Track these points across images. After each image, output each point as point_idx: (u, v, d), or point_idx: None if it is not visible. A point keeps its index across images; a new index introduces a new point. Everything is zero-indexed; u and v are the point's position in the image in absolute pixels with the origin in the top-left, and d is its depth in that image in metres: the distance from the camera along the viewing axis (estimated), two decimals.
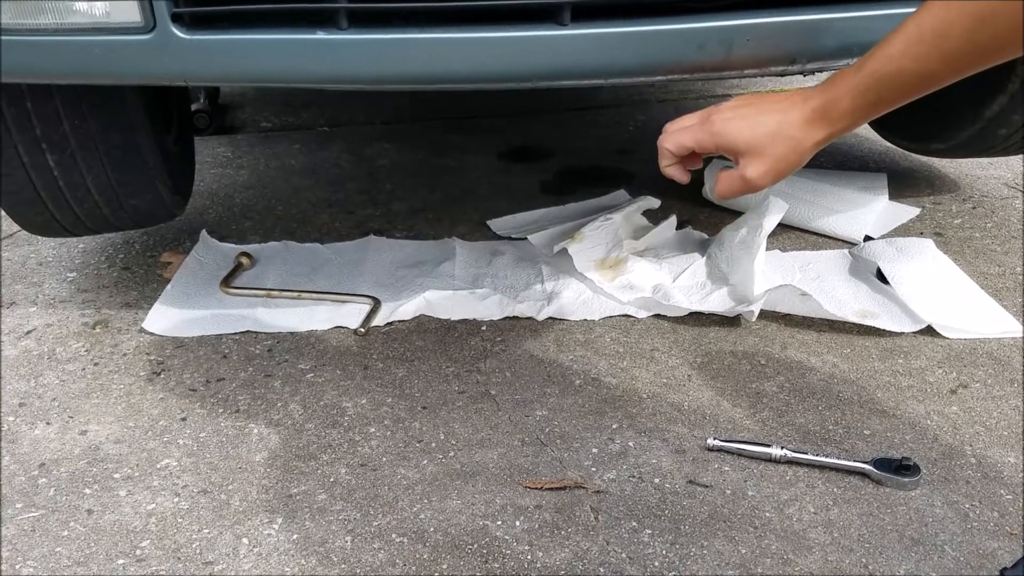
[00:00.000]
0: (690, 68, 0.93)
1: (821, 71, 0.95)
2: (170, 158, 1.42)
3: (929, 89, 0.80)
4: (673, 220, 1.61)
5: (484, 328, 1.37)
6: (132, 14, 0.88)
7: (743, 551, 0.94)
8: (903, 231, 1.64)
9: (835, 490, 1.02)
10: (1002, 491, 1.02)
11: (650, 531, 0.97)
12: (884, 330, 1.31)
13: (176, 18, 0.89)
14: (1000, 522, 0.97)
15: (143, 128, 1.27)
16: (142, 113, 1.26)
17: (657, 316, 1.39)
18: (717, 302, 1.39)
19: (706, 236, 1.61)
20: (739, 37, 0.91)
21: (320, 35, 0.88)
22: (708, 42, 0.91)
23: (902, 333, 1.31)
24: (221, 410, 1.18)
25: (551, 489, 1.03)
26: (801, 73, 0.96)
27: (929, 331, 1.31)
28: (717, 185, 0.88)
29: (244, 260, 1.51)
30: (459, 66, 0.90)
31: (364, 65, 0.90)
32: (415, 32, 0.89)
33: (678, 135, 0.89)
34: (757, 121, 0.83)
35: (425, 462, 1.07)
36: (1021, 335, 1.31)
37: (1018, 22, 0.70)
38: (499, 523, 0.98)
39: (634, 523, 0.98)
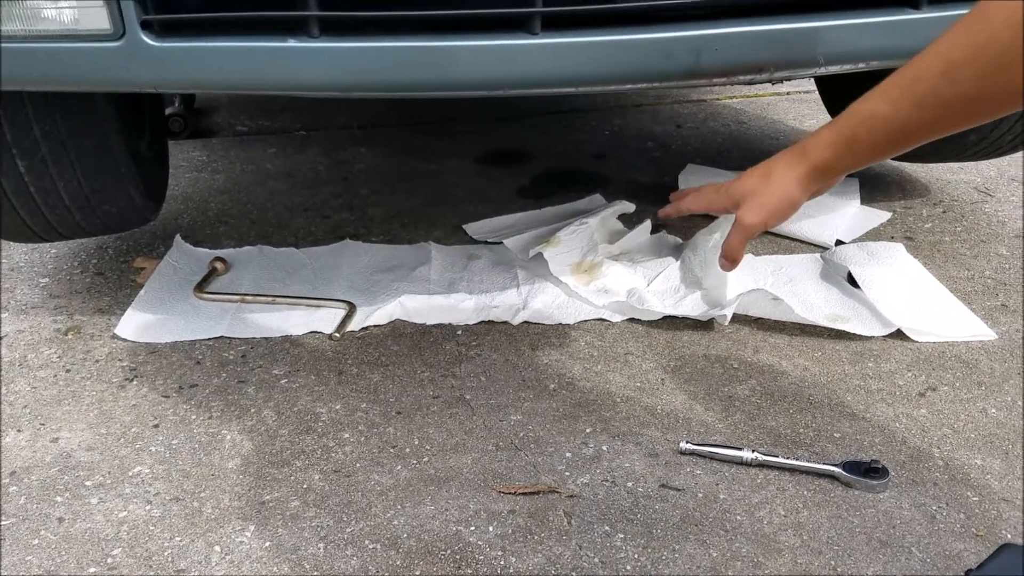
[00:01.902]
0: (660, 77, 0.94)
1: (789, 79, 0.97)
2: (143, 163, 1.41)
3: (909, 140, 0.82)
4: (648, 224, 1.62)
5: (459, 332, 1.37)
6: (101, 21, 0.88)
7: (714, 554, 0.95)
8: (874, 235, 1.66)
9: (805, 493, 1.03)
10: (969, 493, 1.03)
11: (622, 535, 0.97)
12: (854, 334, 1.33)
13: (146, 25, 0.88)
14: (966, 524, 0.99)
15: (115, 133, 1.26)
16: (114, 118, 1.25)
17: (631, 320, 1.39)
18: (690, 306, 1.40)
19: (680, 240, 1.62)
20: (707, 46, 0.92)
21: (291, 43, 0.88)
22: (677, 51, 0.92)
23: (872, 337, 1.33)
24: (194, 416, 1.17)
25: (525, 494, 1.04)
26: (769, 81, 0.97)
27: (899, 335, 1.33)
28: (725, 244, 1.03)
29: (218, 265, 1.51)
30: (430, 74, 0.91)
31: (335, 73, 0.90)
32: (386, 40, 0.89)
33: (692, 202, 1.08)
34: (755, 173, 0.95)
35: (399, 468, 1.07)
36: (990, 338, 1.33)
37: (983, 74, 0.70)
38: (472, 529, 0.98)
39: (607, 527, 0.99)
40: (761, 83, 0.96)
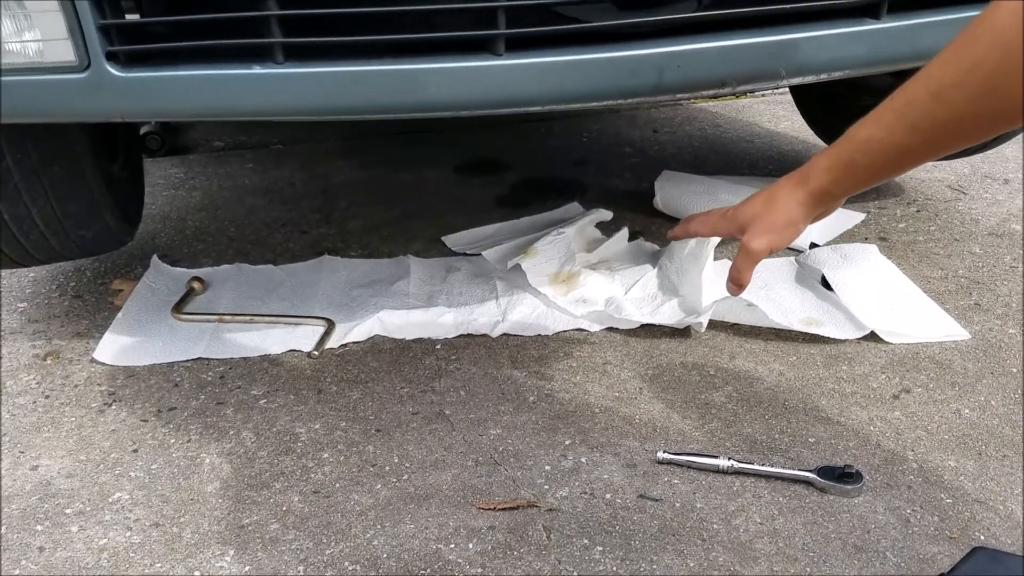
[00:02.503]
0: (624, 94, 0.95)
1: (752, 92, 0.98)
2: (117, 186, 1.41)
3: (907, 163, 0.84)
4: (625, 232, 1.63)
5: (439, 347, 1.37)
6: (66, 53, 0.88)
7: (691, 564, 0.96)
8: (848, 237, 1.67)
9: (780, 499, 1.04)
10: (943, 495, 1.04)
11: (601, 548, 0.98)
12: (829, 337, 1.34)
13: (111, 56, 0.89)
14: (940, 526, 1.00)
15: (87, 159, 1.26)
16: (85, 144, 1.25)
17: (610, 329, 1.40)
18: (667, 314, 1.41)
19: (657, 247, 1.63)
20: (670, 63, 0.93)
21: (256, 70, 0.88)
22: (640, 69, 0.93)
23: (846, 340, 1.34)
24: (173, 440, 1.18)
25: (504, 509, 1.04)
26: (733, 95, 0.98)
27: (873, 337, 1.34)
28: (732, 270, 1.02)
29: (196, 285, 1.51)
30: (396, 97, 0.91)
31: (301, 98, 0.91)
32: (351, 65, 0.89)
33: (699, 226, 1.08)
34: (759, 199, 0.97)
35: (379, 486, 1.08)
36: (963, 338, 1.34)
37: (974, 95, 0.71)
38: (452, 546, 0.99)
39: (585, 540, 0.99)
40: (724, 96, 0.97)
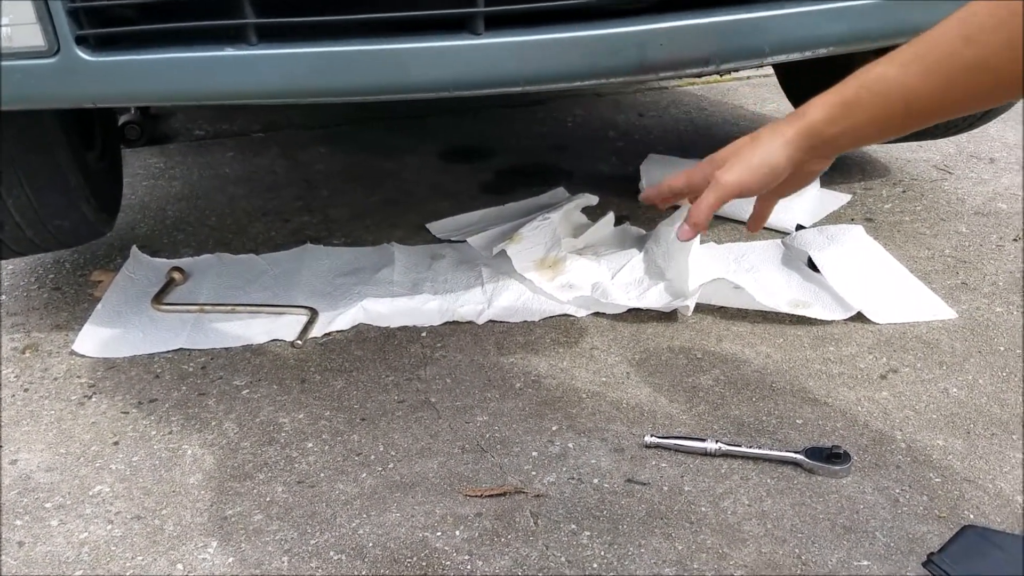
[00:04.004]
0: (606, 73, 0.93)
1: (736, 71, 0.96)
2: (94, 176, 1.39)
3: (909, 116, 0.77)
4: (611, 217, 1.61)
5: (424, 334, 1.36)
6: (35, 38, 0.86)
7: (680, 547, 0.95)
8: (835, 218, 1.67)
9: (768, 481, 1.04)
10: (931, 474, 1.04)
11: (589, 533, 0.97)
12: (816, 319, 1.33)
13: (81, 40, 0.86)
14: (929, 506, 1.00)
15: (62, 148, 1.24)
16: (60, 133, 1.22)
17: (597, 314, 1.39)
18: (654, 298, 1.40)
19: (644, 231, 1.62)
20: (652, 41, 0.91)
21: (229, 51, 0.87)
22: (622, 47, 0.91)
23: (833, 321, 1.33)
24: (154, 432, 1.16)
25: (491, 496, 1.03)
26: (717, 73, 0.97)
27: (860, 318, 1.34)
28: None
29: (176, 275, 1.49)
30: (373, 78, 0.89)
31: (276, 80, 0.89)
32: (327, 45, 0.88)
33: (674, 179, 0.94)
34: (744, 138, 0.88)
35: (364, 475, 1.07)
36: (950, 317, 1.34)
37: (1007, 44, 0.67)
38: (439, 534, 0.98)
39: (573, 526, 0.98)
40: (708, 75, 0.96)
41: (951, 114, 0.79)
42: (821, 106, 0.82)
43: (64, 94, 0.89)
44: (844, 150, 0.87)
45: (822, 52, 0.98)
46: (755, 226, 1.01)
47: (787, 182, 0.91)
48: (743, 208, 1.65)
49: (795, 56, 0.99)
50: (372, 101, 0.91)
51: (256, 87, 0.89)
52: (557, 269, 1.47)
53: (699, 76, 0.99)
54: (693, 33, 0.93)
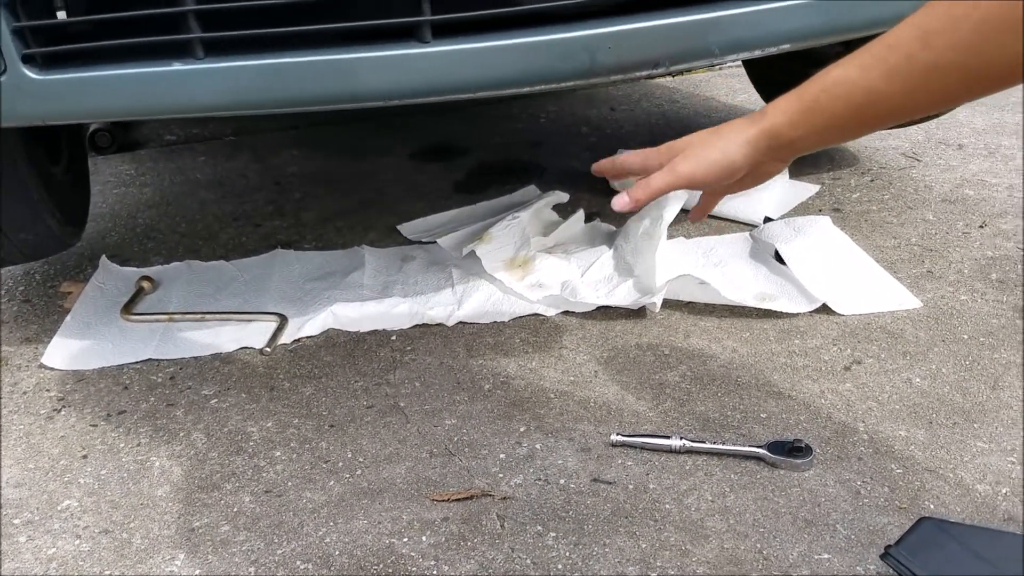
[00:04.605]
0: (557, 78, 0.94)
1: (687, 72, 0.97)
2: (59, 189, 1.38)
3: (871, 116, 0.76)
4: (581, 214, 1.62)
5: (394, 338, 1.36)
6: None
7: (643, 546, 0.96)
8: (803, 209, 1.68)
9: (732, 476, 1.05)
10: (892, 465, 1.05)
11: (554, 534, 0.98)
12: (782, 312, 1.34)
13: (27, 59, 0.86)
14: (890, 497, 1.01)
15: (23, 162, 1.23)
16: (20, 147, 1.22)
17: (566, 312, 1.40)
18: (623, 295, 1.40)
19: (613, 228, 1.63)
20: (601, 45, 0.92)
21: (177, 66, 0.86)
22: (572, 52, 0.91)
23: (799, 313, 1.34)
24: (122, 444, 1.16)
25: (458, 500, 1.04)
26: (668, 75, 0.97)
27: (825, 309, 1.35)
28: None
29: (145, 284, 1.48)
30: (322, 88, 0.89)
31: (224, 93, 0.89)
32: (274, 57, 0.88)
33: (629, 156, 0.94)
34: (706, 131, 0.88)
35: (332, 483, 1.07)
36: (915, 306, 1.35)
37: (961, 43, 0.66)
38: (405, 540, 0.98)
39: (539, 527, 0.99)
40: (659, 76, 0.96)
41: (913, 115, 0.79)
42: (783, 109, 0.82)
43: (13, 113, 0.89)
44: (805, 152, 0.86)
45: (772, 51, 0.99)
46: (697, 216, 1.02)
47: (741, 181, 0.92)
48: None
49: (745, 55, 0.99)
50: (323, 111, 0.91)
51: (205, 101, 0.89)
52: (527, 268, 1.47)
53: (650, 78, 0.99)
54: (641, 36, 0.93)
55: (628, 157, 0.95)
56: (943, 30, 0.68)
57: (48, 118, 0.89)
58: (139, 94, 0.88)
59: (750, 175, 0.91)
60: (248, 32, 0.86)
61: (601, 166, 1.00)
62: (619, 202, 0.91)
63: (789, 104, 0.81)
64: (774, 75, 1.98)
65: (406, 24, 0.89)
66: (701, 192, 0.99)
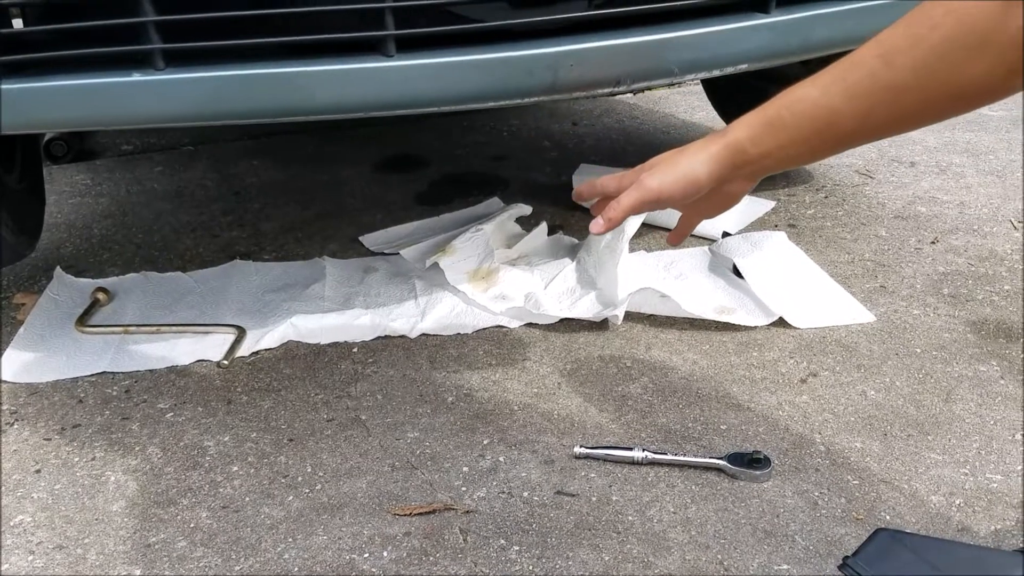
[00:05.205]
0: (519, 94, 0.94)
1: (648, 90, 0.98)
2: (13, 198, 1.35)
3: (832, 136, 0.77)
4: (544, 227, 1.63)
5: (355, 350, 1.36)
6: None
7: (606, 558, 0.96)
8: (760, 224, 1.70)
9: (693, 488, 1.06)
10: (849, 476, 1.07)
11: (517, 547, 0.98)
12: (740, 324, 1.36)
13: None
14: (847, 508, 1.02)
15: None
16: None
17: (529, 324, 1.40)
18: (585, 307, 1.41)
19: (576, 241, 1.64)
20: (563, 62, 0.93)
21: (136, 77, 0.85)
22: (534, 68, 0.92)
23: (757, 327, 1.36)
24: (77, 459, 1.14)
25: (420, 514, 1.03)
26: (629, 92, 0.98)
27: (782, 323, 1.37)
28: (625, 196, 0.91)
29: (100, 296, 1.46)
30: (285, 100, 0.89)
31: (184, 104, 0.88)
32: (235, 69, 0.87)
33: (607, 181, 0.94)
34: (674, 150, 0.89)
35: (290, 498, 1.06)
36: (868, 320, 1.38)
37: (921, 62, 0.67)
38: (366, 555, 0.98)
39: (502, 541, 0.99)
40: (621, 94, 0.97)
41: (876, 136, 0.79)
42: (746, 125, 0.83)
43: None
44: (770, 171, 0.87)
45: (730, 70, 1.01)
46: (676, 239, 1.03)
47: (711, 201, 0.93)
48: (673, 217, 1.68)
49: (704, 75, 1.01)
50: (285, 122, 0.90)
51: (164, 111, 0.88)
52: (490, 280, 1.48)
53: (612, 95, 1.00)
54: (603, 54, 0.94)
55: (605, 181, 0.96)
56: (904, 49, 0.69)
57: (5, 128, 0.87)
58: (98, 104, 0.86)
59: (717, 193, 0.92)
60: (210, 44, 0.86)
61: (580, 192, 1.01)
62: (595, 226, 0.92)
63: (752, 120, 0.82)
64: (732, 93, 2.02)
65: (370, 38, 0.89)
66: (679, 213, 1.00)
